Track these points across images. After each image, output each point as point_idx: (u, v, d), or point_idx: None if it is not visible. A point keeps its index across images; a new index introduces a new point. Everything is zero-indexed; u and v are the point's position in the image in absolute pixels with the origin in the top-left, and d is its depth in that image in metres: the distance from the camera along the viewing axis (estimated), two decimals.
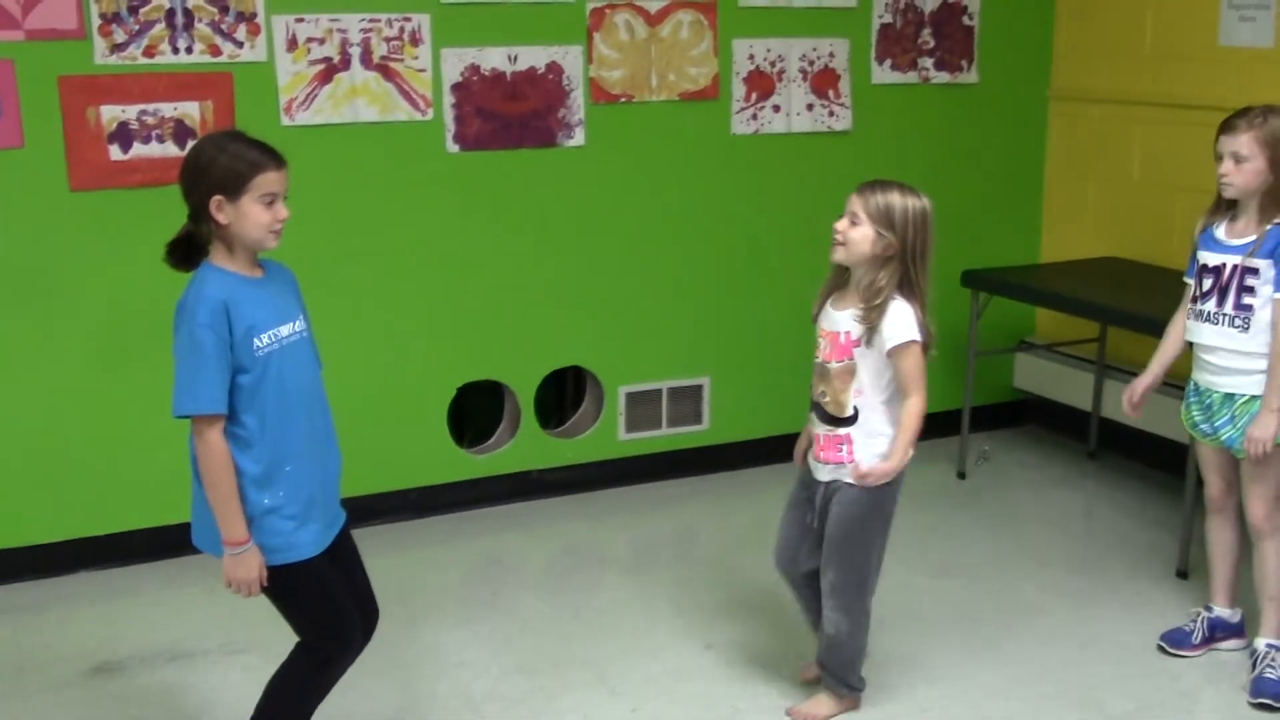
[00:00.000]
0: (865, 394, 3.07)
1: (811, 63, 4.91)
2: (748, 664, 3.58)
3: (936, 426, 5.33)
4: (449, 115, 4.40)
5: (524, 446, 4.79)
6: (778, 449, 5.10)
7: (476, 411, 4.93)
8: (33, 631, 3.84)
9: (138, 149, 3.99)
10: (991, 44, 5.21)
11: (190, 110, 4.03)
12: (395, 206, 4.41)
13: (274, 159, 2.61)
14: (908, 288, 3.04)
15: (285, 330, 2.68)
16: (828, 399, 3.11)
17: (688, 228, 4.86)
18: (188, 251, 2.66)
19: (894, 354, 3.02)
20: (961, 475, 5.04)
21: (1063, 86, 5.34)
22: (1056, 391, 5.31)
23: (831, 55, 4.93)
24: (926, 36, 5.08)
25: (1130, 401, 3.60)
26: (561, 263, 4.69)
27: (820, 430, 3.14)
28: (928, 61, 5.11)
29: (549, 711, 3.36)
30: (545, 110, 4.53)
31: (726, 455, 5.07)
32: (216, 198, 2.57)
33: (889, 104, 5.08)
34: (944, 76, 5.15)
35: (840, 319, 3.10)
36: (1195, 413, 3.47)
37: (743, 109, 4.84)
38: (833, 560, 3.17)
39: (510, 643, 3.72)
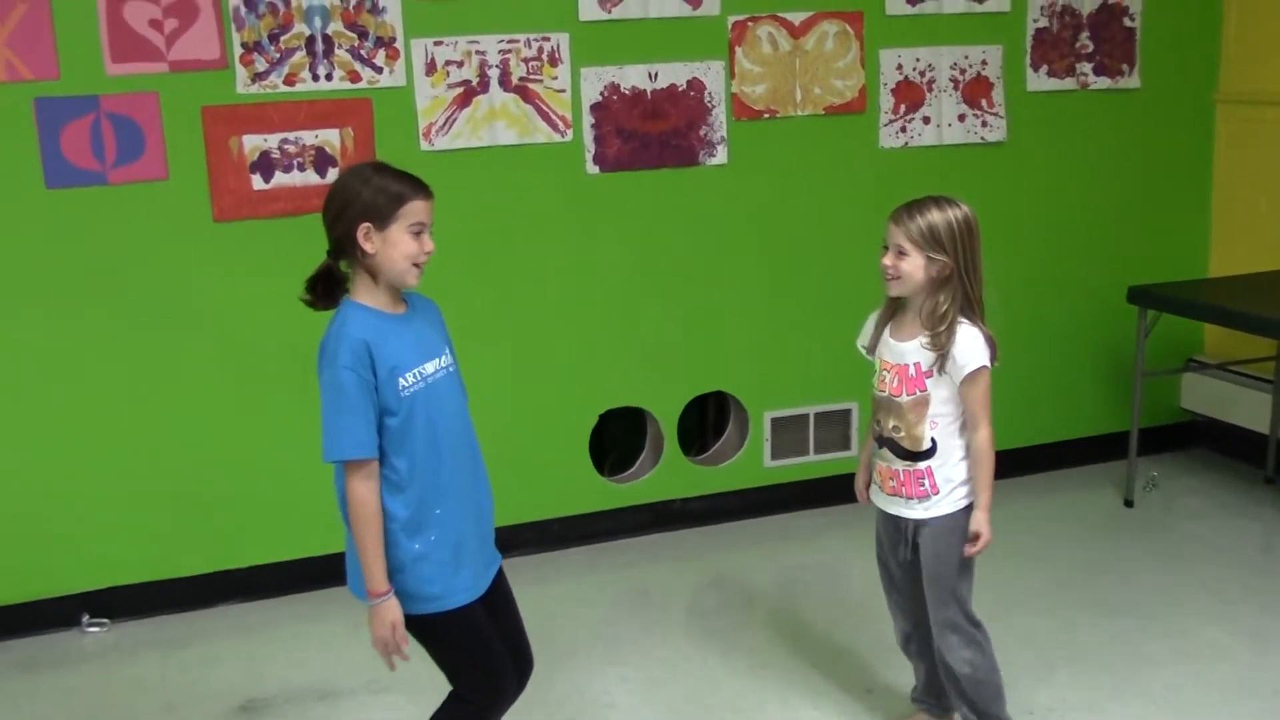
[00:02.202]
0: (941, 424, 2.92)
1: (963, 71, 4.69)
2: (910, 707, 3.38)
3: (1100, 451, 5.11)
4: (588, 136, 4.29)
5: (666, 475, 4.66)
6: None
7: (617, 439, 4.80)
8: (179, 667, 3.81)
9: (279, 178, 3.95)
10: (1154, 46, 4.93)
11: (331, 138, 3.98)
12: (535, 230, 4.31)
13: (422, 189, 2.53)
14: (967, 305, 2.91)
15: (430, 367, 2.58)
16: (902, 434, 2.94)
17: (835, 246, 4.67)
18: (327, 287, 2.58)
19: (965, 381, 2.88)
20: (1129, 503, 4.76)
21: (1231, 89, 5.03)
22: (1229, 413, 5.00)
23: (984, 63, 4.71)
24: (1085, 40, 4.83)
25: None
26: (704, 285, 4.55)
27: (897, 466, 2.97)
28: (1086, 66, 4.85)
29: None
30: (686, 128, 4.39)
31: None
32: (364, 225, 2.48)
33: (1045, 112, 4.84)
34: (1104, 82, 4.88)
35: (907, 350, 2.94)
36: None
37: (891, 121, 4.64)
38: (941, 598, 3.00)
39: (659, 686, 3.58)
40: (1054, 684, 3.48)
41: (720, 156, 4.46)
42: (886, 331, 3.01)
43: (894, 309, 3.01)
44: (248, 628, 4.07)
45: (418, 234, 2.51)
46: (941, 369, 2.88)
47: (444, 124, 4.11)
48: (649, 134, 4.35)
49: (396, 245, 2.49)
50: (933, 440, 2.92)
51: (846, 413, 4.81)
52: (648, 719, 3.40)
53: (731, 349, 4.64)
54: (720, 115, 4.43)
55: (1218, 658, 3.62)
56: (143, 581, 4.11)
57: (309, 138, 3.96)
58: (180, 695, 3.63)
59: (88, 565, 4.05)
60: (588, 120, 4.28)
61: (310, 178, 3.96)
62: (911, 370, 2.91)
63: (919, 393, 2.91)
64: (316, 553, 4.13)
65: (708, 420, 4.98)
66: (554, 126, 4.25)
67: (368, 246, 2.50)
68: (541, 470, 4.47)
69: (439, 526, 2.56)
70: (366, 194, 2.49)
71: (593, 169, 4.32)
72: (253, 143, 3.91)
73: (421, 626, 2.59)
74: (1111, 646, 3.69)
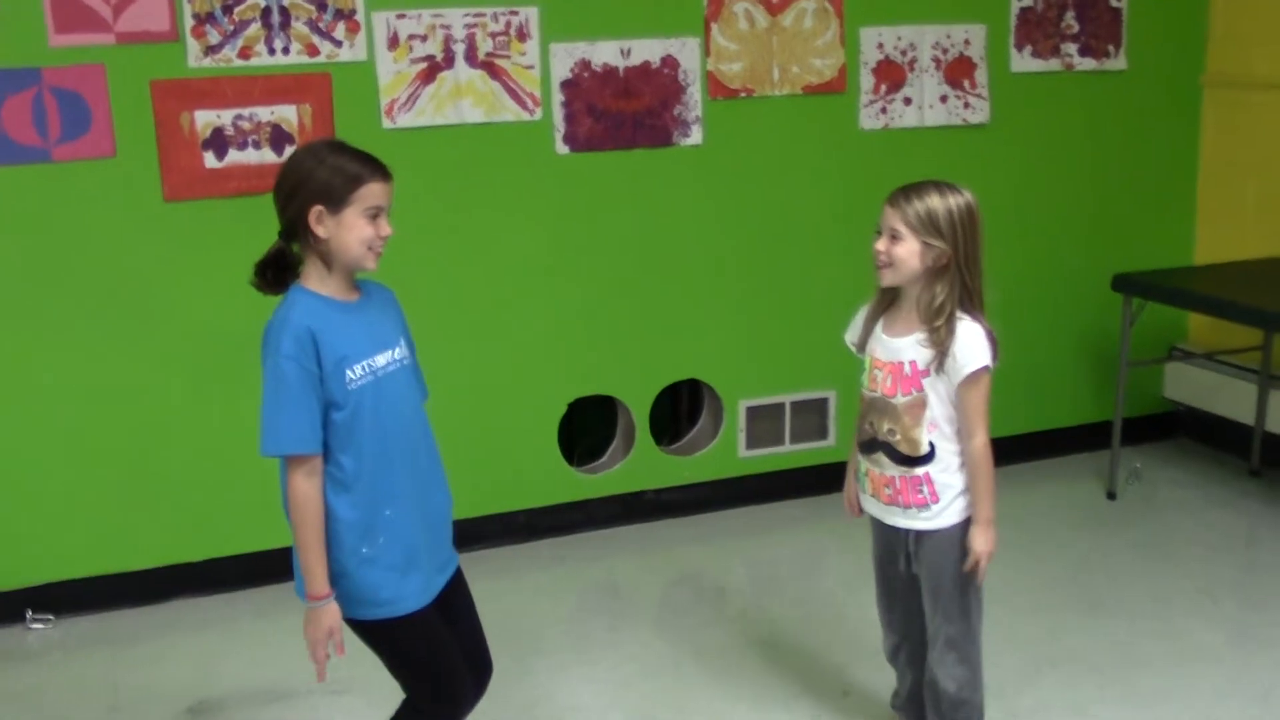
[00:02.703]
0: (940, 427, 2.71)
1: (945, 51, 4.55)
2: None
3: (1083, 441, 4.99)
4: (558, 114, 4.13)
5: (638, 465, 4.51)
6: None
7: (587, 428, 4.66)
8: (128, 665, 3.65)
9: (233, 156, 3.78)
10: (1141, 27, 4.80)
11: (288, 114, 3.81)
12: (502, 212, 4.15)
13: (380, 169, 2.37)
14: (966, 298, 2.69)
15: (382, 360, 2.42)
16: (898, 437, 2.73)
17: (813, 230, 4.53)
18: (277, 271, 2.42)
19: (964, 383, 2.66)
20: (1112, 495, 4.65)
21: (1218, 72, 4.91)
22: (1213, 403, 4.89)
23: (967, 42, 4.57)
24: (1070, 20, 4.69)
25: None
26: (678, 270, 4.40)
27: (893, 472, 2.76)
28: (1071, 47, 4.72)
29: None
30: (660, 107, 4.24)
31: None
32: (317, 208, 2.33)
33: (1029, 94, 4.70)
34: (1089, 63, 4.75)
35: (902, 347, 2.72)
36: None
37: (871, 102, 4.50)
38: (947, 613, 2.82)
39: (629, 687, 3.44)
40: (1039, 686, 3.36)
41: (695, 137, 4.31)
42: (879, 327, 2.80)
43: (886, 302, 2.80)
44: (203, 623, 3.91)
45: (374, 217, 2.35)
46: (940, 368, 2.66)
47: (407, 101, 3.94)
48: (621, 113, 4.20)
49: (351, 229, 2.34)
50: (931, 444, 2.71)
51: (823, 401, 4.67)
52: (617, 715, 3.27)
53: (705, 335, 4.49)
54: (695, 94, 4.27)
55: (1206, 657, 3.51)
56: (90, 576, 3.94)
57: (264, 114, 3.78)
58: (127, 697, 3.47)
59: (32, 559, 3.88)
60: (558, 98, 4.12)
61: (266, 156, 3.78)
62: (907, 369, 2.70)
63: (915, 393, 2.70)
64: (278, 545, 3.96)
65: (681, 409, 4.84)
66: (522, 104, 4.08)
67: (320, 230, 2.34)
68: (508, 460, 4.33)
69: (388, 529, 2.41)
70: (320, 174, 2.33)
71: (563, 149, 4.16)
72: (205, 119, 3.74)
73: (371, 632, 2.45)
74: (1098, 646, 3.57)
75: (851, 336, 2.88)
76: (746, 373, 4.58)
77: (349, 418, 2.36)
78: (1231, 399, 4.80)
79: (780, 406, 4.63)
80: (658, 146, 4.27)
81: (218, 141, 3.76)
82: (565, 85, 4.11)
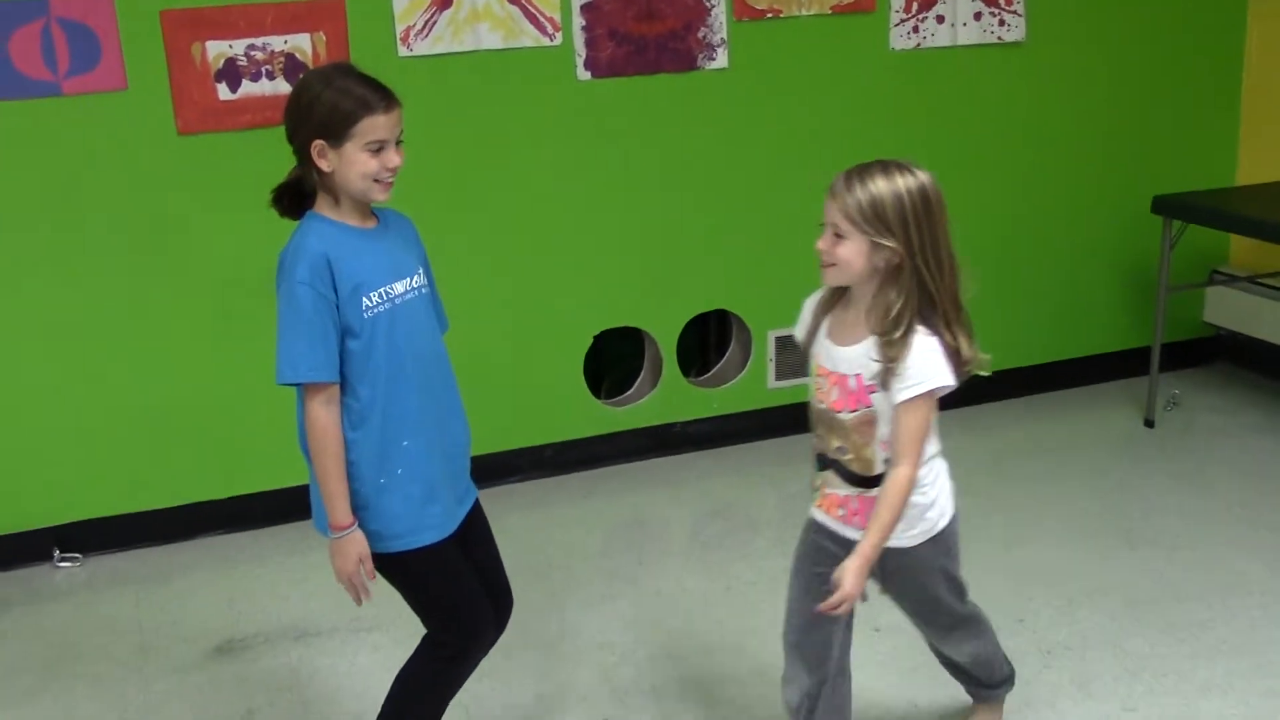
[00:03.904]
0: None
1: None
2: (923, 650, 3.19)
3: (1120, 367, 4.89)
4: (579, 39, 4.01)
5: (665, 397, 4.45)
6: (946, 394, 4.69)
7: (614, 360, 4.59)
8: (155, 604, 3.64)
9: (246, 87, 3.70)
10: None
11: (301, 43, 3.71)
12: (522, 141, 4.06)
13: (383, 100, 2.28)
14: (928, 305, 2.30)
15: (400, 287, 2.36)
16: (849, 456, 2.39)
17: (843, 155, 4.32)
18: (294, 198, 2.37)
19: (904, 405, 2.29)
20: (1149, 423, 4.55)
21: None
22: (1254, 327, 4.78)
23: None
24: None
25: None
26: (704, 197, 4.30)
27: (847, 492, 2.43)
28: None
29: (702, 703, 3.04)
30: (684, 30, 4.11)
31: None
32: (318, 142, 2.26)
33: (1066, 10, 4.54)
34: None
35: (850, 357, 2.34)
36: None
37: (902, 21, 4.36)
38: (935, 620, 2.65)
39: (658, 623, 3.40)
40: (1074, 619, 3.30)
41: (720, 60, 4.18)
42: (824, 329, 2.43)
43: (836, 297, 2.43)
44: (229, 562, 3.89)
45: (377, 151, 2.27)
46: (885, 384, 2.30)
47: (423, 27, 3.84)
48: (644, 36, 4.08)
49: (353, 164, 2.27)
50: (887, 462, 2.36)
51: None
52: (644, 660, 3.23)
53: (733, 265, 4.40)
54: (720, 15, 4.14)
55: (1245, 587, 3.43)
56: (117, 514, 3.93)
57: (278, 43, 3.69)
58: (154, 637, 3.46)
59: (59, 498, 3.87)
60: (578, 22, 4.00)
61: (280, 86, 3.69)
62: (853, 383, 2.34)
63: (863, 409, 2.34)
64: (304, 481, 3.94)
65: (709, 340, 4.76)
66: (541, 29, 3.97)
67: (323, 164, 2.28)
68: (534, 394, 4.27)
69: (406, 460, 2.36)
70: (319, 109, 2.26)
71: (584, 75, 4.05)
72: (217, 49, 3.65)
73: (389, 565, 2.42)
74: (1135, 579, 3.50)
75: (800, 333, 2.49)
76: (775, 302, 4.48)
77: (365, 346, 2.31)
78: (1274, 322, 4.68)
79: None
80: (682, 71, 4.15)
81: (230, 72, 3.67)
82: (585, 8, 3.99)
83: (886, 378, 2.29)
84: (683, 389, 4.48)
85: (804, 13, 4.24)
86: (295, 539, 3.93)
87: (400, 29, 3.82)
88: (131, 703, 3.15)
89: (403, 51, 3.83)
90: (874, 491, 2.37)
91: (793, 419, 4.56)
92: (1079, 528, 3.82)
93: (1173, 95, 4.75)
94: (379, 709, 2.56)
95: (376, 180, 2.29)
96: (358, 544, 2.36)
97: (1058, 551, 3.67)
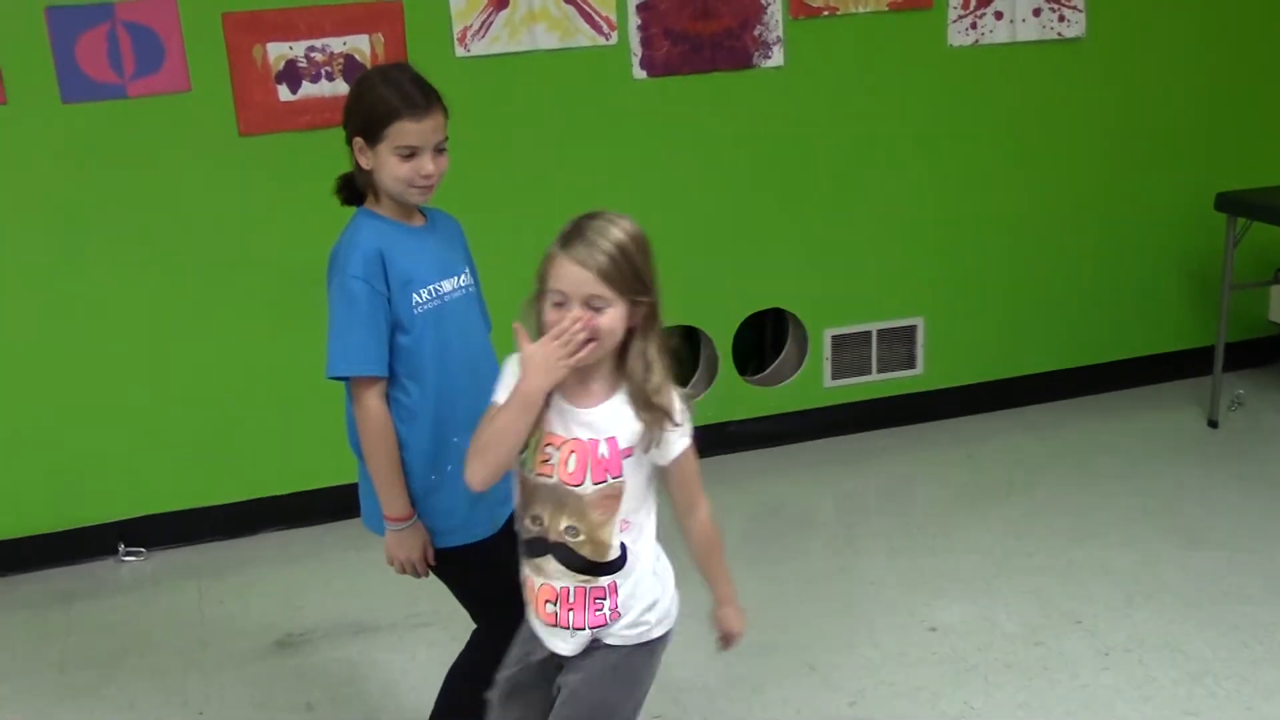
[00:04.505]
0: (634, 523, 2.08)
1: None
2: (980, 650, 3.18)
3: (1184, 366, 4.83)
4: (635, 39, 4.02)
5: (721, 396, 4.45)
6: (999, 396, 4.68)
7: (670, 359, 4.59)
8: (217, 598, 3.70)
9: (306, 88, 3.74)
10: None
11: (360, 44, 3.76)
12: (578, 141, 4.07)
13: (413, 107, 2.26)
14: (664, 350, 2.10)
15: (448, 285, 2.38)
16: (580, 537, 2.05)
17: (898, 154, 4.39)
18: (351, 191, 2.40)
19: (682, 456, 2.10)
20: (1213, 424, 4.48)
21: None
22: None
23: None
24: None
25: None
26: (759, 196, 4.29)
27: (565, 583, 2.08)
28: None
29: (756, 703, 3.04)
30: (740, 28, 4.11)
31: (942, 403, 4.63)
32: (357, 140, 2.30)
33: (1127, 5, 4.48)
34: None
35: (596, 420, 2.04)
36: None
37: (960, 17, 4.33)
38: None
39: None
40: (1133, 621, 3.26)
41: (776, 58, 4.18)
42: (559, 393, 2.06)
43: None
44: (289, 557, 3.95)
45: (408, 156, 2.28)
46: (648, 446, 2.05)
47: (480, 28, 3.87)
48: (700, 35, 4.08)
49: (384, 166, 2.29)
50: (623, 546, 2.08)
51: (911, 329, 4.56)
52: (698, 658, 3.22)
53: (790, 263, 4.39)
54: (776, 13, 4.14)
55: None
56: (180, 509, 3.99)
57: (337, 45, 3.74)
58: (215, 631, 3.51)
59: (123, 493, 3.94)
60: (634, 21, 4.01)
61: (340, 88, 3.73)
62: (604, 449, 2.03)
63: (610, 480, 2.03)
64: None
65: (765, 339, 4.76)
66: (597, 29, 3.98)
67: (363, 161, 2.31)
68: None
69: (457, 457, 2.37)
70: (360, 108, 2.30)
71: (639, 74, 4.06)
72: (278, 51, 3.70)
73: (440, 561, 2.44)
74: (1196, 581, 3.46)
75: (502, 396, 2.06)
76: (831, 301, 4.47)
77: (414, 343, 2.33)
78: None
79: (867, 335, 4.52)
80: (738, 69, 4.15)
81: (291, 74, 3.72)
82: (641, 7, 4.00)
83: (654, 433, 2.04)
84: (739, 388, 4.48)
85: (860, 10, 4.22)
86: (354, 535, 3.88)
87: (457, 29, 3.85)
88: (193, 695, 3.20)
89: (460, 52, 3.86)
90: (602, 580, 2.07)
91: (849, 418, 4.58)
92: (1139, 527, 3.78)
93: (1236, 90, 4.68)
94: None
95: (411, 185, 2.30)
96: (421, 533, 2.39)
97: (1117, 551, 3.63)
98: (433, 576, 2.48)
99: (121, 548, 3.95)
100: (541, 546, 2.09)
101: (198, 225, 3.79)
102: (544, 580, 2.10)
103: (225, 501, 4.03)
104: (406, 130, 2.26)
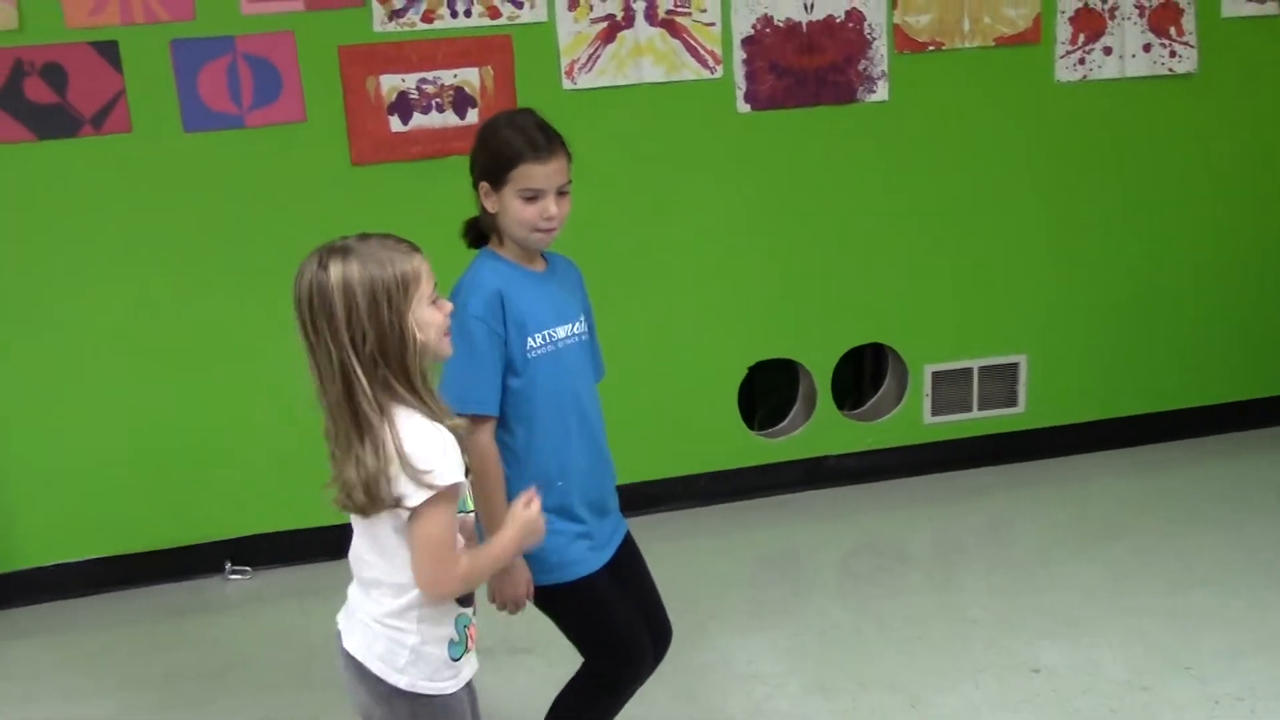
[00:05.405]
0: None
1: None
2: (1084, 693, 3.12)
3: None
4: (739, 72, 4.05)
5: (819, 430, 4.43)
6: (1103, 435, 4.59)
7: (769, 392, 4.59)
8: (323, 617, 3.73)
9: (417, 119, 3.82)
10: None
11: (470, 77, 3.83)
12: (682, 172, 4.11)
13: (536, 150, 2.31)
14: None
15: (562, 332, 2.42)
16: None
17: (1004, 189, 4.36)
18: (477, 233, 2.45)
19: None
20: None
21: None
22: None
23: None
24: None
25: None
26: (862, 230, 4.29)
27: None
28: None
29: None
30: (845, 63, 4.12)
31: (1045, 441, 4.57)
32: (483, 184, 2.35)
33: (1241, 41, 4.42)
34: None
35: None
36: None
37: (1069, 53, 4.29)
38: None
39: (808, 654, 3.39)
40: (1242, 670, 3.18)
41: (881, 93, 4.18)
42: None
43: None
44: None
45: (531, 199, 2.32)
46: None
47: (587, 61, 3.92)
48: (804, 69, 4.09)
49: (508, 210, 2.33)
50: None
51: (1014, 366, 4.51)
52: (796, 692, 3.21)
53: (891, 298, 4.37)
54: (881, 48, 4.14)
55: None
56: (286, 530, 4.07)
57: (447, 77, 3.81)
58: (322, 648, 3.54)
59: (231, 513, 4.03)
60: (739, 55, 4.04)
61: (449, 119, 3.82)
62: None
63: None
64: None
65: (864, 373, 4.73)
66: (703, 62, 4.02)
67: (488, 205, 2.35)
68: (689, 424, 4.29)
69: (560, 497, 2.41)
70: (485, 152, 2.35)
71: (744, 107, 4.09)
72: (390, 83, 3.78)
73: (544, 597, 2.46)
74: None
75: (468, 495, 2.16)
76: (932, 336, 4.44)
77: (525, 385, 2.36)
78: None
79: (968, 372, 4.48)
80: (842, 103, 4.16)
81: (402, 105, 3.81)
82: (746, 42, 4.03)
83: None
84: (837, 422, 4.46)
85: (967, 45, 4.21)
86: None
87: (565, 62, 3.91)
88: (299, 712, 3.25)
89: (567, 84, 3.92)
90: None
91: (949, 455, 4.53)
92: (1250, 574, 3.68)
93: None
94: None
95: (536, 229, 2.34)
96: (524, 571, 2.41)
97: (1227, 598, 3.54)
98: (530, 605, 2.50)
99: (228, 566, 4.04)
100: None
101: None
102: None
103: (331, 524, 4.08)
104: (531, 173, 2.30)
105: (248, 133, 3.75)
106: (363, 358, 1.95)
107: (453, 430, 1.99)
